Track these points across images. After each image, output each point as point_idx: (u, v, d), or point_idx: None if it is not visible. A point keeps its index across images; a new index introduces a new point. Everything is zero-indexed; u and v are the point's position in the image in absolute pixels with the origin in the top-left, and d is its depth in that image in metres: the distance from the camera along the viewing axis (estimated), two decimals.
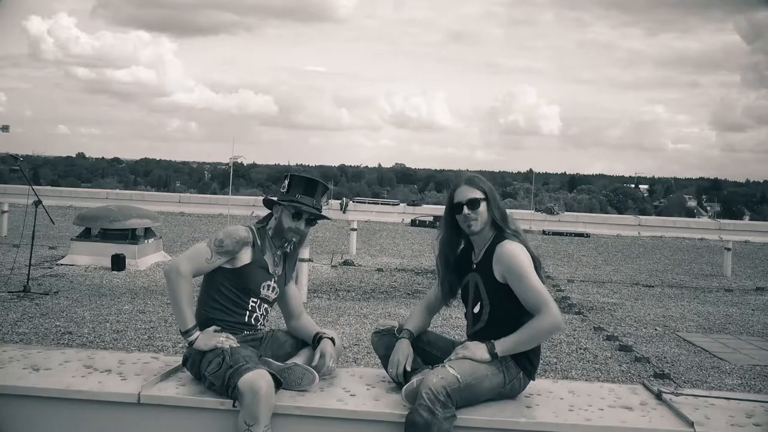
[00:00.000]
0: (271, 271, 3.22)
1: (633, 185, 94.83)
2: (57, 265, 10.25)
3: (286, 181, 3.23)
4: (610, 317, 8.37)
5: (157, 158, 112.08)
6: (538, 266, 3.02)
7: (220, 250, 3.06)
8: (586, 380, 5.30)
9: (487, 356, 2.88)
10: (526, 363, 2.99)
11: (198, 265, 3.04)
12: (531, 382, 3.07)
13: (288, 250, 3.27)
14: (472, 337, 3.08)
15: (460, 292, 3.21)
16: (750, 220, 42.61)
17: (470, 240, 3.13)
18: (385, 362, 3.17)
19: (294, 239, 3.21)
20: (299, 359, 3.13)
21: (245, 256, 3.12)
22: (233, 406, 2.78)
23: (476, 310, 3.06)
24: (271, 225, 3.24)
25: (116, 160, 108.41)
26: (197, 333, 3.00)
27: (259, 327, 3.22)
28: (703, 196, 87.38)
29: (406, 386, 2.86)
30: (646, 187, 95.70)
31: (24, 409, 2.90)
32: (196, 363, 3.00)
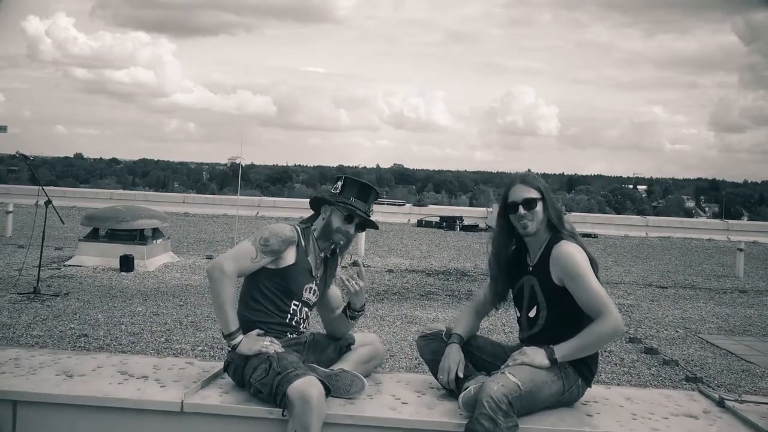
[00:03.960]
0: (314, 273, 3.09)
1: (631, 186, 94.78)
2: (64, 266, 10.09)
3: (340, 183, 3.10)
4: (628, 319, 8.23)
5: (156, 159, 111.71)
6: (596, 268, 2.92)
7: (265, 249, 2.93)
8: (618, 384, 5.17)
9: (546, 362, 2.76)
10: (585, 369, 2.87)
11: (243, 264, 2.90)
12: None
13: (335, 252, 3.14)
14: (526, 341, 2.96)
15: (511, 294, 3.09)
16: (748, 220, 42.56)
17: (523, 241, 3.01)
18: (432, 367, 3.05)
19: (341, 242, 3.08)
20: (345, 365, 3.00)
21: (289, 257, 2.99)
22: (282, 415, 2.64)
23: (532, 314, 2.94)
24: (317, 226, 3.11)
25: (114, 160, 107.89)
26: (240, 337, 2.87)
27: (301, 330, 3.09)
28: (701, 197, 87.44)
29: (463, 394, 2.72)
30: (644, 187, 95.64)
31: (60, 417, 2.76)
32: (239, 369, 2.86)
